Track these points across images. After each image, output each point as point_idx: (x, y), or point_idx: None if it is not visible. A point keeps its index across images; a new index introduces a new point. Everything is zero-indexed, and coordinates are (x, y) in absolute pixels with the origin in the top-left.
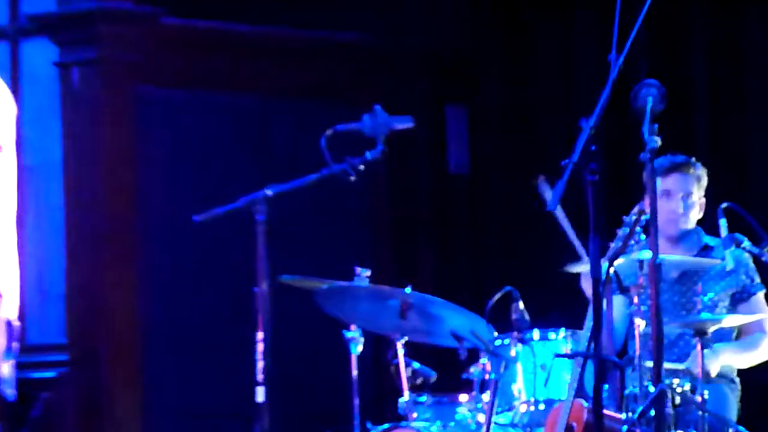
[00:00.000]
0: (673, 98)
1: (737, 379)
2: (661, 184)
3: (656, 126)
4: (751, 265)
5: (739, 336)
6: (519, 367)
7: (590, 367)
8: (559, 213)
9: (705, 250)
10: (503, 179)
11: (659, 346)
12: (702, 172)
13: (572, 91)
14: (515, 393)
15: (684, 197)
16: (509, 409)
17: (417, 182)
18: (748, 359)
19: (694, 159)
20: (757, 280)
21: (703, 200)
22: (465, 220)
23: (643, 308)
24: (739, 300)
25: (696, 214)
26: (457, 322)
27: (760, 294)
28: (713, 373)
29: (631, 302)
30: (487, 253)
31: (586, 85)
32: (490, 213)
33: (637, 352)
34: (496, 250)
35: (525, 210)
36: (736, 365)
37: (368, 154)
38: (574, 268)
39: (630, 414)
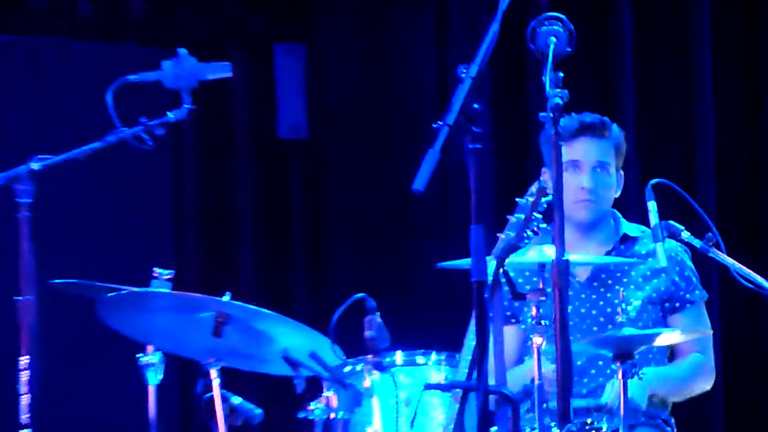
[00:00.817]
0: (590, 42)
1: (672, 420)
2: (566, 152)
3: (561, 75)
4: (689, 263)
5: (673, 358)
6: (375, 402)
7: (473, 402)
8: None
9: (625, 243)
10: (353, 146)
11: (566, 373)
12: (621, 138)
13: (448, 26)
14: None
15: (596, 169)
16: None
17: (236, 151)
18: (684, 390)
19: (609, 120)
20: (696, 281)
21: (622, 175)
22: (302, 202)
23: (544, 322)
24: (671, 309)
25: (612, 192)
26: (291, 341)
27: (700, 303)
28: (641, 409)
29: (522, 317)
30: (332, 248)
31: (466, 18)
32: (336, 193)
33: (536, 382)
34: (344, 244)
35: (383, 188)
36: (671, 399)
37: (171, 114)
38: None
39: None
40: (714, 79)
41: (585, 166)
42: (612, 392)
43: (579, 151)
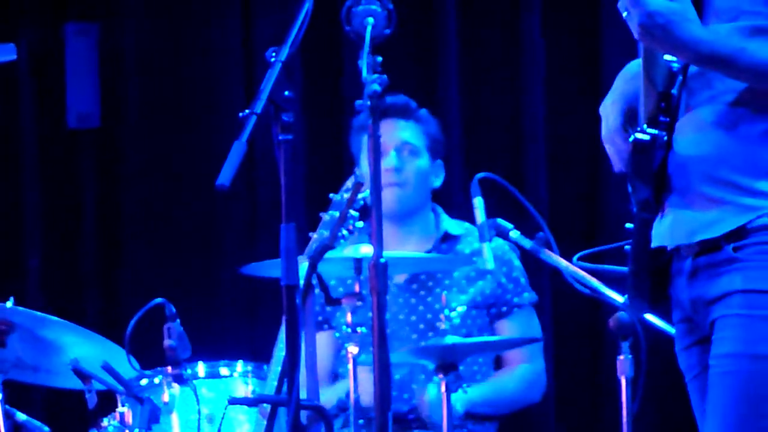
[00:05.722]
0: (412, 23)
1: None
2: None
3: (380, 60)
4: (517, 263)
5: (499, 367)
6: (175, 418)
7: (282, 418)
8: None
9: (447, 241)
10: (151, 137)
11: (384, 386)
12: (434, 125)
13: (255, 3)
14: None
15: (402, 151)
16: None
17: (20, 143)
18: (512, 404)
19: (417, 104)
20: (524, 283)
21: (442, 165)
22: (94, 199)
23: (361, 330)
24: (497, 315)
25: (427, 181)
26: (82, 351)
27: (529, 306)
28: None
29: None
30: (129, 249)
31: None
32: (133, 188)
33: (351, 396)
34: (142, 244)
35: (185, 183)
36: (499, 413)
37: None
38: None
39: None
40: (546, 68)
41: (388, 147)
42: (435, 407)
43: (381, 132)
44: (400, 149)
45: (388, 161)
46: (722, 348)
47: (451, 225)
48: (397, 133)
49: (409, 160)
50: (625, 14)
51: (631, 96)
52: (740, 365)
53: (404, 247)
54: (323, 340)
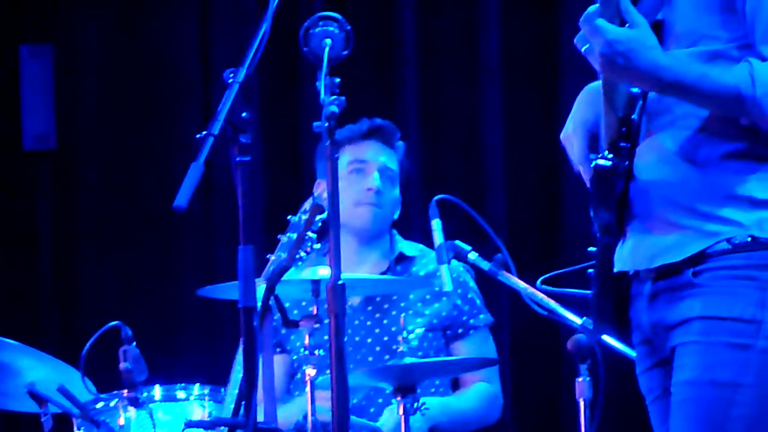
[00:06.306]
0: (371, 44)
1: None
2: (352, 154)
3: (338, 81)
4: (472, 284)
5: (457, 388)
6: None
7: None
8: None
9: (401, 262)
10: (108, 158)
11: (342, 408)
12: (405, 156)
13: (212, 26)
14: None
15: (383, 172)
16: None
17: None
18: (471, 423)
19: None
20: (480, 304)
21: (400, 198)
22: (50, 221)
23: (318, 352)
24: (453, 337)
25: (395, 208)
26: (38, 374)
27: (485, 327)
28: None
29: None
30: (85, 271)
31: (233, 18)
32: (90, 210)
33: (309, 417)
34: (98, 266)
35: (142, 205)
36: (454, 430)
37: None
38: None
39: None
40: (505, 92)
41: (372, 167)
42: (390, 419)
43: (367, 152)
44: (383, 173)
45: (373, 182)
46: (682, 375)
47: (406, 246)
48: (383, 157)
49: (388, 185)
50: (584, 48)
51: (591, 122)
52: (700, 392)
53: (359, 268)
54: (276, 363)
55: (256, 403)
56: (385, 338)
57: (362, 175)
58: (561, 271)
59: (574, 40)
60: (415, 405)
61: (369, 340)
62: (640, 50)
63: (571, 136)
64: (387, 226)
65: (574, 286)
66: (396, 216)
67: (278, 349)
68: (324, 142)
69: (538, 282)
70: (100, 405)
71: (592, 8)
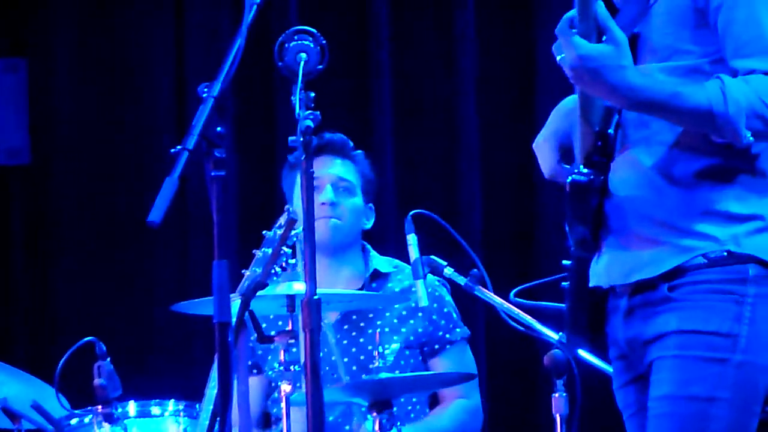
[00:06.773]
0: (346, 58)
1: None
2: None
3: (313, 95)
4: (448, 298)
5: (434, 405)
6: None
7: None
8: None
9: (376, 279)
10: (82, 173)
11: (318, 425)
12: (368, 167)
13: (186, 42)
14: None
15: (338, 187)
16: None
17: None
18: None
19: (353, 144)
20: (456, 318)
21: (373, 209)
22: (23, 235)
23: (294, 368)
24: (430, 353)
25: (360, 219)
26: (11, 390)
27: (462, 341)
28: None
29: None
30: (59, 286)
31: (207, 31)
32: (63, 225)
33: None
34: (72, 282)
35: (117, 220)
36: None
37: None
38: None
39: None
40: (481, 106)
41: (324, 181)
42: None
43: (319, 168)
44: (336, 185)
45: (324, 195)
46: (659, 390)
47: (381, 263)
48: (334, 169)
49: (344, 196)
50: (559, 58)
51: (563, 133)
52: (676, 407)
53: (334, 286)
54: (252, 384)
55: (230, 418)
56: (362, 357)
57: (317, 191)
58: (534, 282)
59: (552, 48)
60: (390, 423)
61: (345, 359)
62: (610, 68)
63: (542, 144)
64: (353, 237)
65: (549, 299)
66: (368, 226)
67: (254, 371)
68: (299, 157)
69: (512, 294)
70: (74, 421)
71: (568, 14)
